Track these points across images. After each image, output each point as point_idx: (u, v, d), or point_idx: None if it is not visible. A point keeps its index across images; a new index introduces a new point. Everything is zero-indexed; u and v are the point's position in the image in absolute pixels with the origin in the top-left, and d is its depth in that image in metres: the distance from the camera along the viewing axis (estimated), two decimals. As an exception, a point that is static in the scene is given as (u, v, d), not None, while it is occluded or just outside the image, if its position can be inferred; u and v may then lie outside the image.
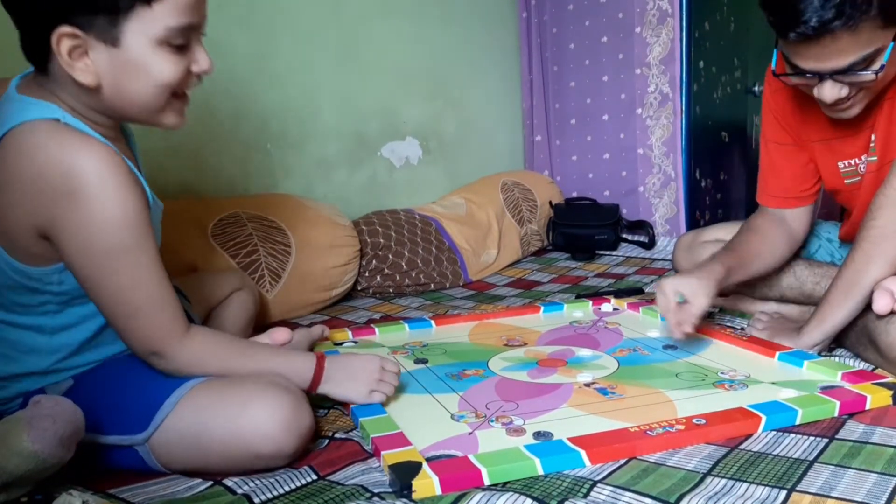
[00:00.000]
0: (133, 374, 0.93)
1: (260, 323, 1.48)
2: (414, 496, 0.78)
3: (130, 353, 0.93)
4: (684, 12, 2.25)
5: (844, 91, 1.09)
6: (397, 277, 1.92)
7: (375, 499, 0.78)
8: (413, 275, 1.94)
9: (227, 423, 0.84)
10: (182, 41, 0.84)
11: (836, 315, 1.17)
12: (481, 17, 2.54)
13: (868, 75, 1.06)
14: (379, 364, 1.01)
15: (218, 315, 1.31)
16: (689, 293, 1.20)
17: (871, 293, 1.13)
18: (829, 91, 1.09)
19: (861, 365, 1.16)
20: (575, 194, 2.60)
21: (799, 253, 1.49)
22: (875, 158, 1.24)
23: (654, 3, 2.30)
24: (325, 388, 0.98)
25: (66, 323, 0.93)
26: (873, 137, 1.24)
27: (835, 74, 1.07)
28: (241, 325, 1.34)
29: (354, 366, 1.01)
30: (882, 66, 1.05)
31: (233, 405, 0.85)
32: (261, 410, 0.85)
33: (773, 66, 1.16)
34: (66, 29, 0.79)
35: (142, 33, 0.81)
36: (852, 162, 1.30)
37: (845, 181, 1.33)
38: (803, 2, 1.00)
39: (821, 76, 1.08)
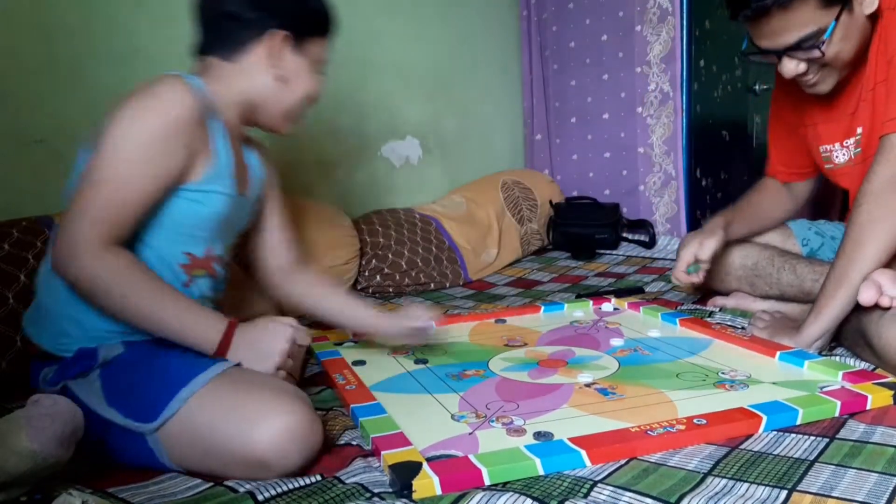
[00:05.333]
0: (162, 358, 0.93)
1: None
2: (414, 496, 0.78)
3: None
4: (685, 10, 2.24)
5: (802, 67, 1.19)
6: (397, 277, 1.91)
7: (375, 499, 0.78)
8: (413, 274, 1.93)
9: (240, 433, 0.84)
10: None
11: (831, 306, 1.18)
12: (481, 16, 2.54)
13: (815, 52, 1.16)
14: (287, 338, 0.98)
15: None
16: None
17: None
18: (787, 66, 1.19)
19: (861, 365, 1.15)
20: (575, 193, 2.60)
21: (800, 251, 1.51)
22: (860, 150, 1.29)
23: (654, 1, 2.30)
24: (231, 359, 0.95)
25: None
26: (859, 130, 1.28)
27: (788, 51, 1.17)
28: None
29: (263, 341, 0.97)
30: (823, 43, 1.14)
31: (248, 413, 0.85)
32: (276, 425, 0.84)
33: (743, 47, 1.25)
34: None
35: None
36: (829, 147, 1.36)
37: (825, 166, 1.39)
38: None
39: (778, 53, 1.18)
